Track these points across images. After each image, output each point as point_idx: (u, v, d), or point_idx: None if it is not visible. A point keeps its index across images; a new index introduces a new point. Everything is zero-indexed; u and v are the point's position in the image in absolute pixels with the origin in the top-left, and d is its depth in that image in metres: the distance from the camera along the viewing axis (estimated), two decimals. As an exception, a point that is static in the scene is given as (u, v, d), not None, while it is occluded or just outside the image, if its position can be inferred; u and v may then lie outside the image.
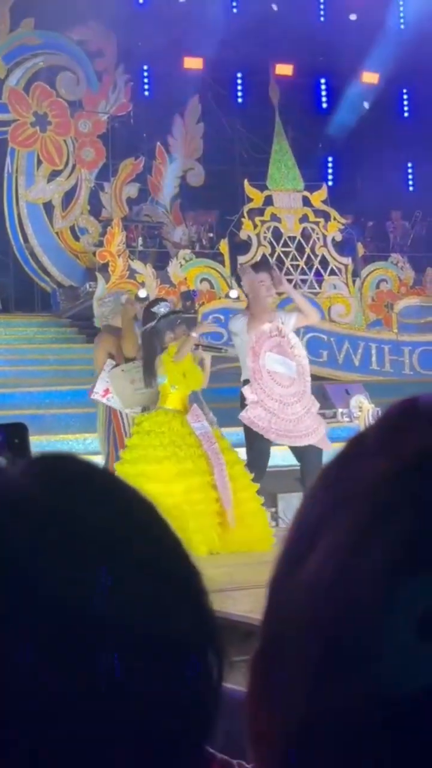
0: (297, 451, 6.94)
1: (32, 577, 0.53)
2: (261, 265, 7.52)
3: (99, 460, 7.00)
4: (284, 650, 0.46)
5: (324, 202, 13.70)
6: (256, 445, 6.85)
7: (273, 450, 7.12)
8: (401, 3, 17.11)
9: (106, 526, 0.57)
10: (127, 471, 6.26)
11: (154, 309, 6.70)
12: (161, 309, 6.68)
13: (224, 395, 7.55)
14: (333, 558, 0.44)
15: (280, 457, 7.39)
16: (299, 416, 6.79)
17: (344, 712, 0.42)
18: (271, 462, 7.24)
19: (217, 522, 6.17)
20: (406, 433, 0.46)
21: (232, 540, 6.19)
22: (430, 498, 0.43)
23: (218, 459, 6.26)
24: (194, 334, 6.48)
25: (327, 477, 0.49)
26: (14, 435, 0.61)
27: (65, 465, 0.61)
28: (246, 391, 6.88)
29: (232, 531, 6.20)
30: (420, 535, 0.42)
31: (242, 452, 6.87)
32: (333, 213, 13.72)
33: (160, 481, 6.11)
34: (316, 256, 13.54)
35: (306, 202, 13.64)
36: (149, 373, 6.58)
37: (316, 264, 13.53)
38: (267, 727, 0.47)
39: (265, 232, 13.34)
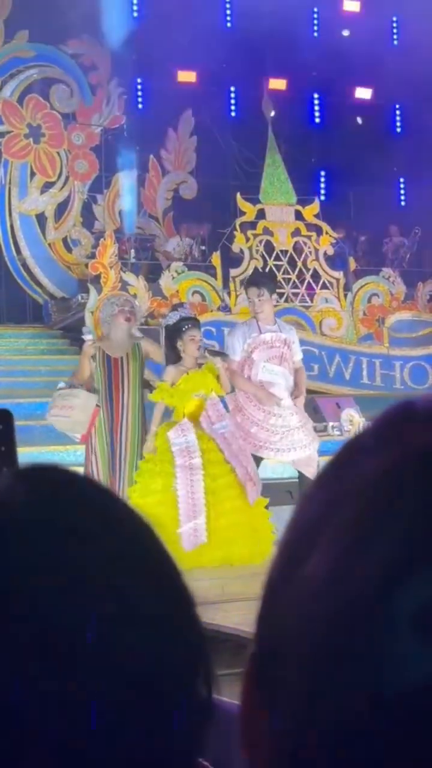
0: (297, 463, 6.92)
1: (22, 597, 0.51)
2: (249, 281, 7.51)
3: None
4: (281, 654, 0.45)
5: (316, 216, 13.73)
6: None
7: (263, 462, 7.10)
8: (394, 19, 17.21)
9: (101, 543, 0.55)
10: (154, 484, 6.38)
11: (163, 321, 6.78)
12: (168, 320, 6.72)
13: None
14: (331, 558, 0.44)
15: (271, 469, 7.39)
16: (291, 429, 6.74)
17: (343, 715, 0.41)
18: (262, 474, 7.23)
19: (174, 539, 6.12)
20: (403, 432, 0.46)
21: (215, 554, 6.16)
22: (428, 496, 0.43)
23: (187, 474, 6.22)
24: (167, 379, 6.53)
25: (323, 477, 0.49)
26: None
27: (55, 477, 0.59)
28: (227, 398, 6.88)
29: (213, 545, 6.17)
30: (418, 533, 0.42)
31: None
32: (325, 227, 13.75)
33: (142, 494, 6.16)
34: (307, 269, 13.57)
35: (298, 216, 13.67)
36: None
37: (308, 278, 13.56)
38: (263, 734, 0.46)
39: (257, 246, 13.36)
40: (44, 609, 0.51)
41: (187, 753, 0.55)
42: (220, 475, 6.39)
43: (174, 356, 6.61)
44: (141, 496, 6.19)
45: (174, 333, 6.59)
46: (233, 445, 6.44)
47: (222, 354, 6.86)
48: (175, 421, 6.55)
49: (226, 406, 6.72)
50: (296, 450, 6.75)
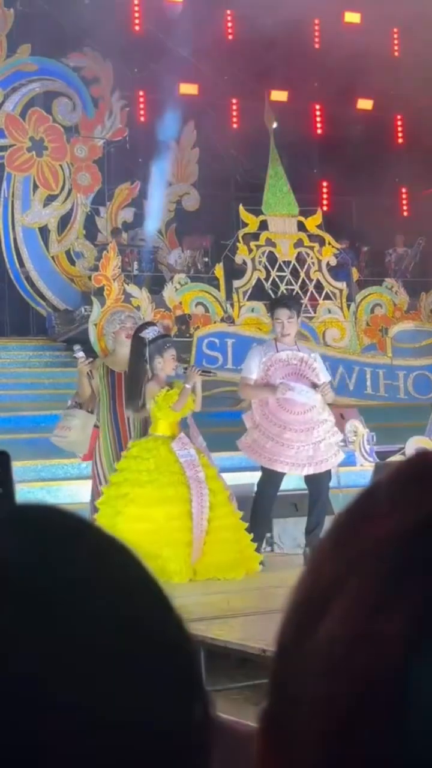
0: (307, 477, 6.90)
1: (10, 657, 0.48)
2: (276, 303, 7.53)
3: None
4: (297, 722, 0.43)
5: (319, 227, 13.75)
6: (265, 473, 6.82)
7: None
8: (395, 30, 17.26)
9: (100, 599, 0.52)
10: (112, 493, 6.29)
11: (142, 334, 6.69)
12: (149, 334, 6.67)
13: (219, 419, 7.54)
14: (347, 626, 0.42)
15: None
16: (308, 444, 6.72)
17: None
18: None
19: (189, 552, 6.13)
20: (420, 492, 0.45)
21: (202, 566, 6.16)
22: None
23: (200, 488, 6.24)
24: (188, 386, 6.49)
25: (337, 536, 0.47)
26: None
27: (49, 521, 0.55)
28: (245, 417, 6.90)
29: (204, 558, 6.17)
30: None
31: (234, 477, 6.84)
32: (328, 238, 13.77)
33: (141, 505, 6.11)
34: (310, 280, 13.58)
35: (301, 227, 13.69)
36: (135, 397, 6.58)
37: (311, 288, 13.57)
38: None
39: (260, 257, 13.38)
40: (30, 668, 0.49)
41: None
42: (218, 490, 6.36)
43: (145, 370, 6.56)
44: (146, 505, 6.15)
45: (154, 349, 6.56)
46: (199, 473, 6.45)
47: (208, 371, 6.89)
48: (153, 434, 6.51)
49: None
50: (312, 465, 6.72)
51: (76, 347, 7.54)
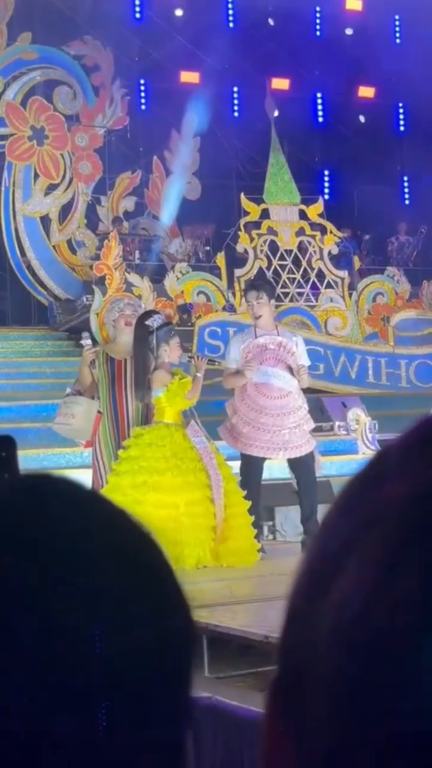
0: (291, 463, 6.91)
1: (20, 610, 0.49)
2: (248, 285, 7.56)
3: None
4: (307, 689, 0.43)
5: (320, 215, 13.72)
6: (244, 459, 6.85)
7: (269, 463, 7.09)
8: (397, 18, 17.19)
9: (105, 555, 0.53)
10: (125, 482, 6.27)
11: (148, 322, 6.70)
12: (155, 322, 6.68)
13: (220, 408, 7.54)
14: (361, 586, 0.42)
15: (277, 470, 7.38)
16: (283, 429, 6.74)
17: (382, 748, 0.40)
18: (268, 475, 7.21)
19: (212, 537, 6.17)
20: (429, 453, 0.45)
21: (221, 552, 6.20)
22: None
23: (217, 474, 6.28)
24: (199, 375, 6.52)
25: (348, 499, 0.47)
26: (1, 449, 0.56)
27: (55, 487, 0.56)
28: (227, 405, 6.94)
29: (220, 545, 6.21)
30: None
31: (236, 465, 6.85)
32: (329, 226, 13.74)
33: (162, 491, 6.13)
34: (312, 269, 13.56)
35: (302, 215, 13.66)
36: (142, 386, 6.60)
37: (313, 277, 13.55)
38: (288, 764, 0.45)
39: (261, 246, 13.36)
40: (34, 616, 0.50)
41: (175, 753, 0.54)
42: (228, 477, 6.42)
43: (150, 358, 6.58)
44: (168, 491, 6.17)
45: (160, 337, 6.58)
46: (213, 459, 6.49)
47: (211, 360, 6.89)
48: (159, 421, 6.53)
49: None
50: (287, 450, 6.74)
51: (84, 335, 7.57)
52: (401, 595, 0.41)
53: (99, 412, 7.09)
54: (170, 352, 6.54)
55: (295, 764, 0.44)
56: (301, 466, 6.81)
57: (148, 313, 7.13)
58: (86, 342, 7.28)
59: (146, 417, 6.91)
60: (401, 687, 0.40)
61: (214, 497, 6.22)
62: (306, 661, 0.44)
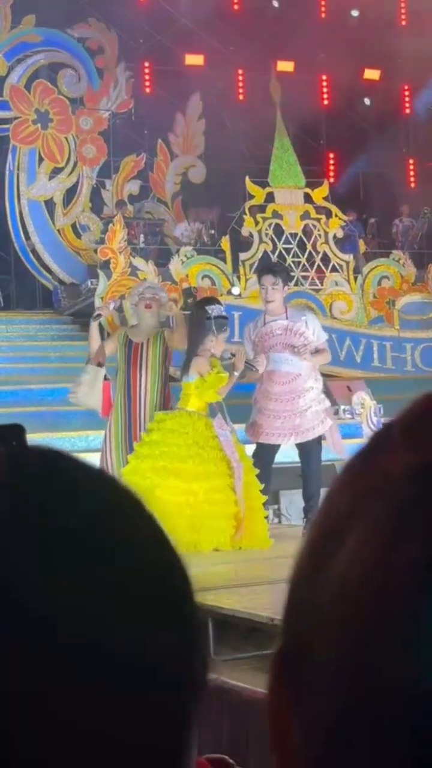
0: (298, 448, 6.92)
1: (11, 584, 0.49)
2: (261, 270, 7.50)
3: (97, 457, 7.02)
4: (311, 653, 0.44)
5: (325, 198, 13.68)
6: (257, 445, 6.87)
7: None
8: (402, -1, 17.09)
9: (100, 531, 0.52)
10: (146, 465, 6.30)
11: (208, 308, 6.68)
12: (214, 311, 6.67)
13: (236, 391, 7.55)
14: (361, 556, 0.43)
15: (282, 453, 7.37)
16: (294, 413, 6.74)
17: (381, 715, 0.40)
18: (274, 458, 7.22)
19: (233, 525, 6.20)
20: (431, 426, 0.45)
21: (245, 542, 6.26)
22: None
23: (239, 465, 6.30)
24: (236, 373, 6.53)
25: (351, 470, 0.47)
26: (11, 437, 0.56)
27: (53, 459, 0.56)
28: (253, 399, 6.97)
29: (246, 536, 6.26)
30: None
31: (250, 448, 6.88)
32: (334, 210, 13.71)
33: (182, 478, 6.16)
34: (317, 252, 13.53)
35: (307, 198, 13.63)
36: (186, 367, 6.64)
37: (318, 261, 13.52)
38: (292, 733, 0.45)
39: (266, 229, 13.33)
40: (34, 594, 0.49)
41: (181, 735, 0.54)
42: (248, 470, 6.44)
43: (197, 346, 6.56)
44: (188, 479, 6.19)
45: (214, 326, 6.55)
46: (235, 453, 6.51)
47: (250, 365, 6.82)
48: (182, 408, 6.54)
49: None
50: (298, 434, 6.74)
51: (113, 302, 7.82)
52: (403, 561, 0.41)
53: (106, 379, 7.14)
54: (216, 344, 6.55)
55: (299, 730, 0.44)
56: (307, 451, 6.81)
57: (211, 300, 7.17)
58: (111, 306, 7.62)
59: (163, 403, 6.92)
60: (403, 651, 0.40)
61: (236, 487, 6.25)
62: (309, 628, 0.45)
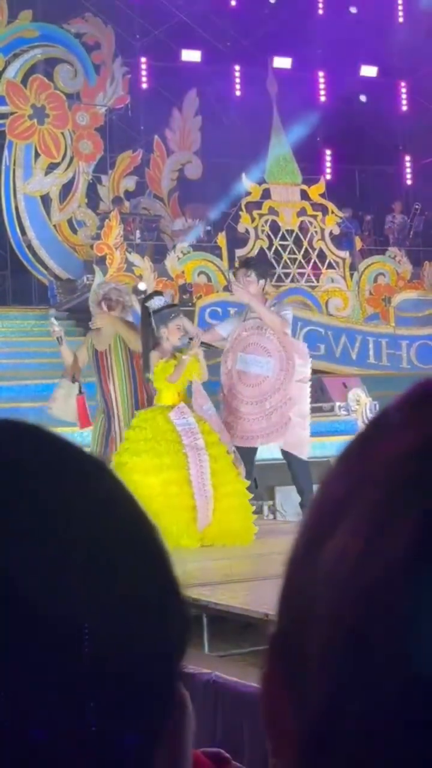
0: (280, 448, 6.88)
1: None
2: (240, 262, 7.47)
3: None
4: (305, 638, 0.44)
5: (322, 195, 13.68)
6: (236, 447, 6.82)
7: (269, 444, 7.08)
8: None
9: (80, 511, 0.52)
10: (115, 461, 6.35)
11: (148, 304, 6.70)
12: (154, 304, 6.67)
13: (214, 388, 7.54)
14: (354, 541, 0.43)
15: (277, 450, 7.39)
16: (263, 415, 6.70)
17: (374, 699, 0.40)
18: (268, 455, 7.22)
19: (192, 517, 6.16)
20: (428, 411, 0.45)
21: (213, 533, 6.20)
22: None
23: (197, 455, 6.26)
24: (185, 357, 6.47)
25: (347, 456, 0.47)
26: None
27: (28, 432, 0.54)
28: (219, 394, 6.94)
29: (214, 524, 6.20)
30: None
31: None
32: (331, 206, 13.70)
33: (138, 472, 6.15)
34: (313, 249, 13.53)
35: (304, 195, 13.62)
36: (145, 367, 6.65)
37: (314, 257, 13.52)
38: (285, 717, 0.45)
39: (262, 226, 13.33)
40: (18, 581, 0.48)
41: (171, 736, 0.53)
42: (220, 456, 6.38)
43: (152, 341, 6.57)
44: (144, 472, 6.19)
45: (159, 319, 6.56)
46: (216, 426, 6.46)
47: (208, 344, 6.83)
48: (158, 404, 6.56)
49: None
50: (263, 437, 6.69)
51: (51, 313, 7.77)
52: (396, 548, 0.41)
53: (79, 393, 7.14)
54: (169, 334, 6.53)
55: (292, 713, 0.45)
56: (285, 451, 6.79)
57: (151, 295, 7.11)
58: (53, 322, 7.52)
59: (137, 403, 6.94)
60: (395, 633, 0.40)
61: (193, 478, 6.21)
62: (303, 610, 0.45)
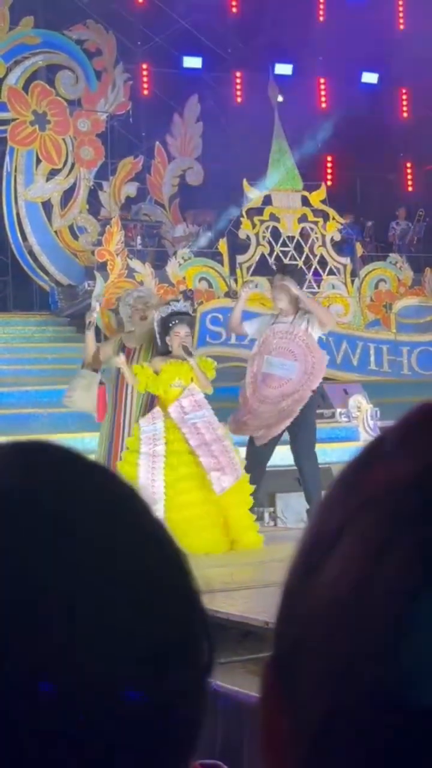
0: (292, 451, 6.90)
1: (13, 584, 0.49)
2: (277, 268, 7.58)
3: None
4: (300, 662, 0.44)
5: (323, 201, 13.68)
6: (249, 447, 6.85)
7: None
8: (401, 3, 17.10)
9: (101, 530, 0.52)
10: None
11: (157, 311, 6.76)
12: (163, 312, 6.70)
13: (225, 394, 7.52)
14: (351, 567, 0.42)
15: (279, 456, 7.37)
16: (275, 413, 6.74)
17: (368, 723, 0.40)
18: (270, 461, 7.21)
19: (204, 523, 6.09)
20: (426, 436, 0.45)
21: (218, 540, 6.16)
22: None
23: (150, 461, 6.23)
24: (154, 368, 6.51)
25: (345, 479, 0.47)
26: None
27: (50, 454, 0.56)
28: (240, 393, 6.98)
29: (218, 532, 6.17)
30: None
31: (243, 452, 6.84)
32: (332, 213, 13.71)
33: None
34: (314, 255, 13.53)
35: (305, 201, 13.63)
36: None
37: (315, 264, 13.52)
38: (282, 737, 0.45)
39: (263, 232, 13.33)
40: (41, 589, 0.49)
41: (187, 739, 0.53)
42: (181, 464, 6.27)
43: (163, 348, 6.62)
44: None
45: (163, 326, 6.59)
46: (207, 434, 6.32)
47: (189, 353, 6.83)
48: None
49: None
50: (269, 428, 6.76)
51: (94, 307, 7.91)
52: (393, 576, 0.41)
53: (102, 384, 7.17)
54: (171, 341, 6.54)
55: (288, 733, 0.44)
56: (297, 429, 6.84)
57: (168, 302, 7.24)
58: (95, 308, 7.63)
59: (149, 407, 6.94)
60: (389, 659, 0.40)
61: (140, 483, 6.14)
62: (299, 633, 0.44)
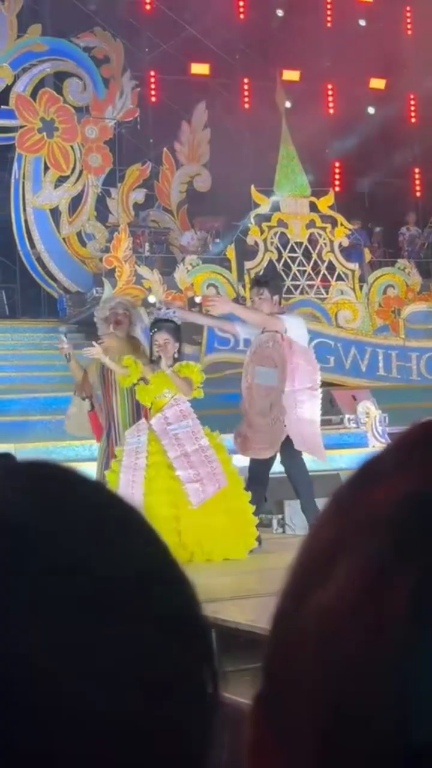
0: (282, 459, 6.81)
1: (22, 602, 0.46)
2: (253, 281, 7.54)
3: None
4: (292, 694, 0.41)
5: (331, 207, 13.68)
6: (252, 466, 6.76)
7: (277, 457, 7.03)
8: (408, 8, 17.10)
9: (110, 558, 0.50)
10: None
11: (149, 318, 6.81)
12: (149, 321, 6.76)
13: (229, 401, 7.52)
14: (348, 592, 0.40)
15: (280, 464, 7.35)
16: (268, 425, 6.65)
17: (366, 765, 0.38)
18: (278, 468, 7.18)
19: (174, 527, 5.99)
20: (427, 456, 0.43)
21: (208, 548, 6.06)
22: None
23: (130, 474, 6.19)
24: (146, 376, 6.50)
25: (340, 500, 0.45)
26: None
27: (57, 477, 0.53)
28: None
29: (210, 540, 6.06)
30: None
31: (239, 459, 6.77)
32: (340, 218, 13.70)
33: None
34: (323, 261, 13.52)
35: (313, 207, 13.62)
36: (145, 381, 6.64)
37: (323, 269, 13.51)
38: None
39: (272, 238, 13.33)
40: (46, 610, 0.47)
41: (198, 750, 0.51)
42: (158, 477, 6.17)
43: (153, 356, 6.58)
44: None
45: (150, 335, 6.57)
46: (188, 445, 6.23)
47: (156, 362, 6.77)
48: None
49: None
50: (272, 447, 6.65)
51: (61, 329, 7.75)
52: (390, 605, 0.38)
53: (91, 409, 7.16)
54: (158, 347, 6.49)
55: None
56: (288, 469, 6.73)
57: (157, 309, 7.15)
58: (62, 339, 7.34)
59: (136, 418, 6.91)
60: (384, 703, 0.37)
61: (183, 480, 6.10)
62: (289, 669, 0.42)
